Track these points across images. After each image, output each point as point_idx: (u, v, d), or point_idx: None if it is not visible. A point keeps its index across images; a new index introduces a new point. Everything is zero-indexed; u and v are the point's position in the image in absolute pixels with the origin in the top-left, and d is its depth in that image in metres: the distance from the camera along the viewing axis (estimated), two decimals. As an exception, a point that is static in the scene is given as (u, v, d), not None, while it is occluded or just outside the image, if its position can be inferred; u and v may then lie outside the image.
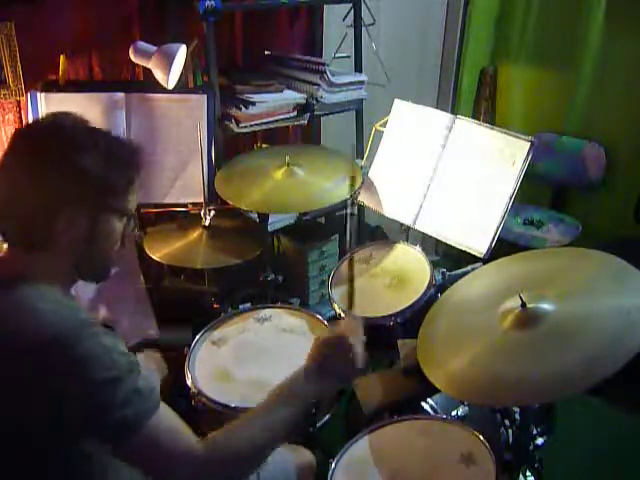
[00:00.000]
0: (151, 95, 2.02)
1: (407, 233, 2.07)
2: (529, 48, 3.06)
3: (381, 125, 2.15)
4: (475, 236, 1.81)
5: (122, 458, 1.01)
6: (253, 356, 1.63)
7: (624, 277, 1.32)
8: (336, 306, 1.83)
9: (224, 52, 2.39)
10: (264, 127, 2.24)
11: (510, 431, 1.56)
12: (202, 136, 1.97)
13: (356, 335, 1.22)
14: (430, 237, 1.97)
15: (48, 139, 1.05)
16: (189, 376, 1.56)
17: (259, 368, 1.58)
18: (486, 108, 3.29)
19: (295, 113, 2.28)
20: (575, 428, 2.10)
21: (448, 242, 1.88)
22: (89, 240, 1.07)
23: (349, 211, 1.74)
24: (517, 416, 1.55)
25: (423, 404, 1.58)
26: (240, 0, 2.36)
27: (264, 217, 2.12)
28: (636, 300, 1.23)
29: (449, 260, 2.84)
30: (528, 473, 1.50)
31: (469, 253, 1.82)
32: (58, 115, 1.09)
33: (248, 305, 1.93)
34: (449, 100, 3.30)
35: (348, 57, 2.57)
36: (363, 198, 2.13)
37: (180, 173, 2.06)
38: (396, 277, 1.89)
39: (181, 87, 2.05)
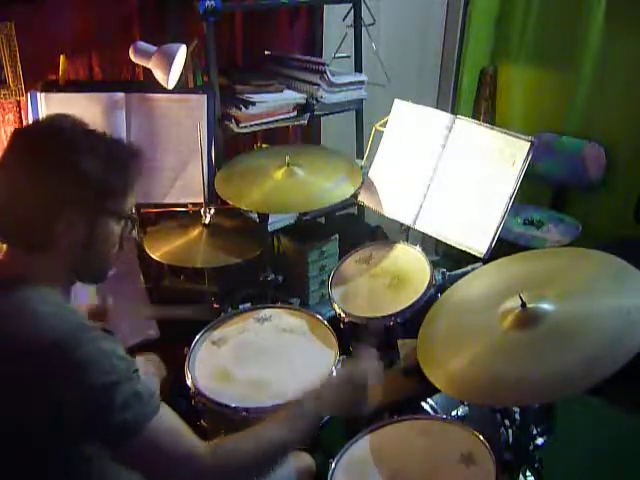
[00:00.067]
0: (151, 95, 2.02)
1: (407, 233, 2.07)
2: (529, 48, 3.06)
3: (381, 125, 2.15)
4: (475, 236, 1.81)
5: (122, 461, 1.00)
6: (253, 356, 1.64)
7: (624, 277, 1.32)
8: (336, 306, 1.83)
9: (224, 52, 2.39)
10: (264, 127, 2.24)
11: (510, 431, 1.56)
12: (202, 136, 1.97)
13: (374, 369, 1.28)
14: (430, 237, 1.97)
15: (47, 141, 1.05)
16: (189, 376, 1.56)
17: (259, 368, 1.58)
18: (486, 108, 3.29)
19: (295, 113, 2.28)
20: (575, 428, 2.10)
21: (448, 242, 1.88)
22: (87, 243, 1.07)
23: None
24: (517, 416, 1.55)
25: (423, 404, 1.58)
26: (240, 0, 2.36)
27: (264, 217, 2.12)
28: (636, 300, 1.23)
29: (449, 260, 2.84)
30: (528, 473, 1.50)
31: (469, 253, 1.82)
32: (57, 117, 1.08)
33: (248, 305, 1.93)
34: (449, 100, 3.30)
35: (348, 57, 2.56)
36: (363, 198, 2.13)
37: (180, 173, 2.07)
38: (396, 277, 1.89)
39: (181, 87, 2.05)
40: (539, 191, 3.11)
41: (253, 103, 2.15)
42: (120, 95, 1.98)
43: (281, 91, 2.29)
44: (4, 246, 1.07)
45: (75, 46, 2.06)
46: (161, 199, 2.07)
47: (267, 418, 1.15)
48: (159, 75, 1.90)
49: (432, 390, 1.40)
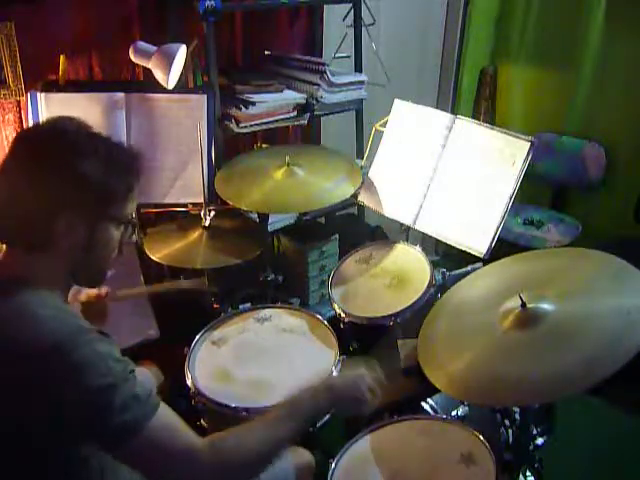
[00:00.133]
0: (151, 95, 2.02)
1: (407, 233, 2.07)
2: (529, 48, 3.06)
3: (381, 125, 2.16)
4: (475, 236, 1.81)
5: (122, 460, 1.01)
6: (253, 356, 1.64)
7: (624, 277, 1.32)
8: (336, 306, 1.83)
9: (224, 52, 2.39)
10: (264, 127, 2.24)
11: (510, 431, 1.56)
12: (202, 136, 1.97)
13: (374, 373, 1.28)
14: (430, 237, 1.97)
15: (49, 143, 1.05)
16: (189, 376, 1.56)
17: (259, 368, 1.58)
18: (486, 108, 3.29)
19: (295, 113, 2.28)
20: (575, 428, 2.10)
21: (448, 242, 1.88)
22: (87, 246, 1.07)
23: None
24: (517, 416, 1.55)
25: (423, 404, 1.58)
26: (240, 0, 2.36)
27: (264, 217, 2.12)
28: (636, 300, 1.23)
29: (449, 260, 2.84)
30: (528, 473, 1.50)
31: (469, 253, 1.82)
32: (61, 119, 1.09)
33: (248, 305, 1.93)
34: (449, 100, 3.30)
35: (348, 57, 2.56)
36: (363, 198, 2.13)
37: (180, 173, 2.06)
38: (396, 277, 1.89)
39: (181, 87, 2.05)
40: (539, 191, 3.11)
41: (253, 103, 2.15)
42: (120, 95, 1.98)
43: (281, 91, 2.29)
44: (3, 246, 1.07)
45: (75, 46, 2.06)
46: (161, 199, 2.07)
47: (266, 413, 1.14)
48: (159, 75, 1.90)
49: (432, 390, 1.40)
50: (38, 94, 1.92)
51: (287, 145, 2.61)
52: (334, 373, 1.56)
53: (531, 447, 1.53)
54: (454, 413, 1.55)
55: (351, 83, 2.41)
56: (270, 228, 2.22)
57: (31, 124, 1.89)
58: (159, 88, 1.95)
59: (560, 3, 2.92)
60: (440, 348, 1.42)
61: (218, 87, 2.11)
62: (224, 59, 2.33)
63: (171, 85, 1.93)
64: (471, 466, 1.28)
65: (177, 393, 1.61)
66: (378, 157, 2.13)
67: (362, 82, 2.44)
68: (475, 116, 3.28)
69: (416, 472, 1.31)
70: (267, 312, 1.81)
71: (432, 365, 1.38)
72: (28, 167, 1.03)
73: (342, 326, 1.80)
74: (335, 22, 2.63)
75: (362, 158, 2.37)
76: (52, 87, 1.95)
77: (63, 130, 1.06)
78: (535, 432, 1.55)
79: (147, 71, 1.96)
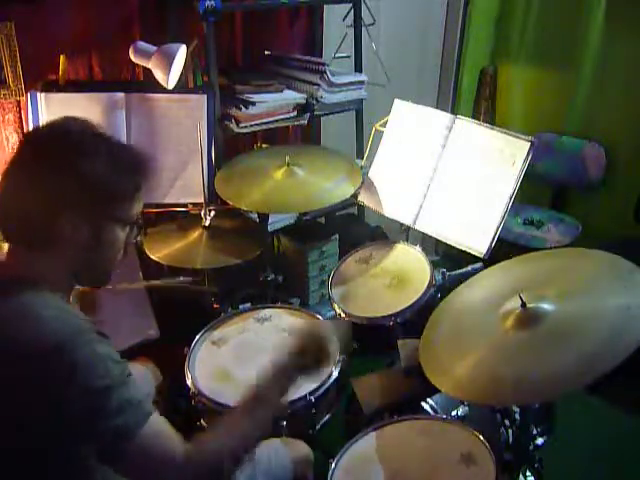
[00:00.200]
0: (151, 95, 2.02)
1: (407, 233, 2.07)
2: (529, 48, 3.06)
3: (381, 125, 2.16)
4: (475, 236, 1.81)
5: (114, 465, 1.00)
6: (253, 356, 1.64)
7: (624, 277, 1.32)
8: (336, 306, 1.83)
9: (224, 52, 2.39)
10: (264, 127, 2.24)
11: (510, 431, 1.56)
12: (202, 136, 1.97)
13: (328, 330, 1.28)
14: (430, 237, 1.97)
15: (55, 143, 1.05)
16: (189, 376, 1.56)
17: (259, 368, 1.58)
18: (486, 108, 3.28)
19: (295, 113, 2.28)
20: (575, 428, 2.10)
21: (448, 242, 1.88)
22: (92, 248, 1.07)
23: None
24: (517, 416, 1.55)
25: (423, 404, 1.58)
26: (240, 0, 2.36)
27: (264, 217, 2.12)
28: (637, 299, 1.23)
29: (449, 260, 2.84)
30: (528, 473, 1.50)
31: (469, 253, 1.82)
32: (66, 120, 1.09)
33: (248, 305, 1.93)
34: (449, 100, 3.30)
35: (348, 57, 2.56)
36: (363, 198, 2.13)
37: (180, 173, 2.06)
38: (396, 277, 1.89)
39: (181, 87, 2.05)
40: (539, 191, 3.10)
41: (253, 103, 2.15)
42: (120, 95, 1.98)
43: (281, 91, 2.29)
44: (4, 246, 1.08)
45: (75, 46, 2.06)
46: (161, 199, 2.07)
47: (236, 408, 1.15)
48: (159, 75, 1.90)
49: (432, 390, 1.40)
50: (38, 94, 1.92)
51: (287, 145, 2.61)
52: (334, 373, 1.56)
53: (531, 447, 1.53)
54: (454, 413, 1.55)
55: (351, 83, 2.41)
56: (270, 228, 2.22)
57: (36, 124, 1.89)
58: (159, 88, 1.95)
59: (560, 3, 2.92)
60: (442, 350, 1.42)
61: (218, 87, 2.11)
62: (224, 59, 2.33)
63: (171, 85, 1.93)
64: (471, 466, 1.28)
65: (177, 393, 1.61)
66: (378, 157, 2.13)
67: (362, 82, 2.44)
68: (475, 116, 3.27)
69: (416, 472, 1.31)
70: (267, 312, 1.82)
71: (434, 367, 1.38)
72: (34, 167, 1.03)
73: (342, 326, 1.80)
74: (335, 22, 2.63)
75: (362, 158, 2.37)
76: (52, 87, 1.95)
77: (69, 130, 1.07)
78: (535, 432, 1.55)
79: (147, 71, 1.96)
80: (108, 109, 1.97)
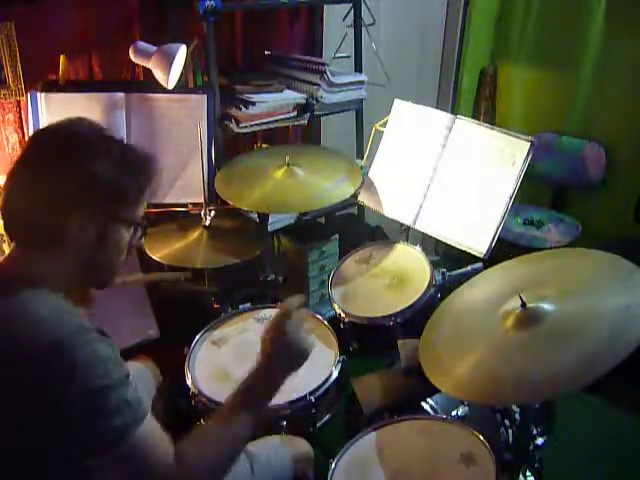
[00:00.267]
0: (151, 95, 2.02)
1: (407, 233, 2.07)
2: (529, 48, 3.06)
3: (381, 125, 2.16)
4: (475, 236, 1.81)
5: (106, 467, 1.00)
6: (253, 356, 1.62)
7: (624, 277, 1.32)
8: (336, 306, 1.83)
9: (224, 52, 2.39)
10: (264, 127, 2.24)
11: (510, 431, 1.56)
12: (202, 136, 1.97)
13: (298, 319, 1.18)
14: (430, 237, 1.97)
15: (62, 144, 1.06)
16: (189, 376, 1.56)
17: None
18: (486, 108, 3.28)
19: (295, 113, 2.28)
20: (575, 428, 2.10)
21: (448, 242, 1.88)
22: (96, 248, 1.07)
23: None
24: (517, 416, 1.55)
25: (423, 404, 1.58)
26: (240, 0, 2.36)
27: (264, 217, 2.12)
28: (637, 299, 1.23)
29: (449, 260, 2.84)
30: (528, 473, 1.50)
31: (469, 253, 1.82)
32: (73, 120, 1.09)
33: (248, 305, 1.93)
34: (449, 100, 3.30)
35: (348, 57, 2.56)
36: (363, 198, 2.13)
37: (180, 173, 2.07)
38: (396, 277, 1.89)
39: (181, 87, 2.05)
40: (539, 191, 3.11)
41: (253, 103, 2.15)
42: (120, 95, 1.99)
43: (281, 91, 2.29)
44: (4, 246, 1.08)
45: (75, 46, 2.06)
46: (161, 199, 2.07)
47: (220, 410, 1.14)
48: (159, 75, 1.90)
49: (432, 390, 1.40)
50: (38, 94, 1.92)
51: (287, 145, 2.62)
52: (334, 373, 1.56)
53: (531, 447, 1.53)
54: (454, 413, 1.55)
55: (351, 83, 2.41)
56: (270, 228, 2.22)
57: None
58: (159, 88, 1.95)
59: (560, 3, 2.92)
60: (442, 350, 1.42)
61: (218, 87, 2.11)
62: (224, 59, 2.33)
63: (171, 85, 1.93)
64: (471, 466, 1.28)
65: (177, 393, 1.61)
66: (378, 157, 2.13)
67: (362, 82, 2.44)
68: (475, 116, 3.27)
69: (416, 472, 1.31)
70: (267, 312, 1.82)
71: (434, 367, 1.38)
72: (41, 168, 1.04)
73: (342, 326, 1.80)
74: (335, 22, 2.63)
75: (362, 158, 2.37)
76: (52, 87, 1.95)
77: (76, 131, 1.08)
78: (535, 432, 1.55)
79: (147, 71, 1.96)
80: (108, 109, 1.97)
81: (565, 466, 1.91)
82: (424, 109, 2.03)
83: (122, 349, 1.04)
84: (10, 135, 2.02)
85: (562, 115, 3.02)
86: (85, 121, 1.10)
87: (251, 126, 2.18)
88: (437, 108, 2.04)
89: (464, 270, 1.83)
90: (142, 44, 1.93)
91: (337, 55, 2.57)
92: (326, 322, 1.74)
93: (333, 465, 1.34)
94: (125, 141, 1.12)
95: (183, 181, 2.07)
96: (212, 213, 1.94)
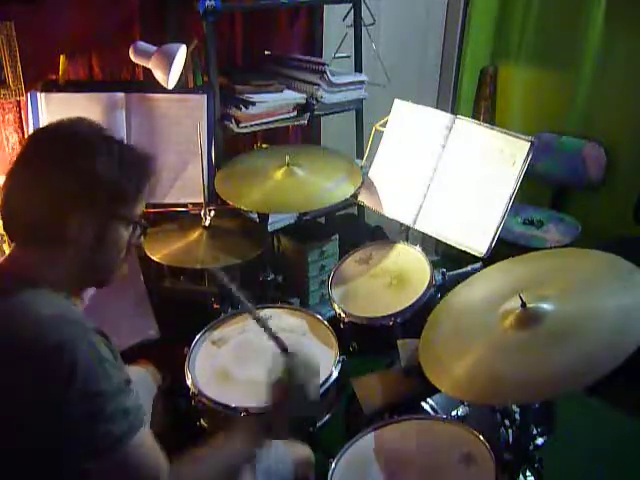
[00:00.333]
0: (151, 95, 2.02)
1: (407, 233, 2.07)
2: (529, 48, 3.06)
3: (381, 125, 2.15)
4: (475, 236, 1.81)
5: (98, 473, 0.98)
6: (253, 356, 1.63)
7: (624, 277, 1.32)
8: (336, 306, 1.83)
9: (224, 52, 2.39)
10: (264, 127, 2.24)
11: (510, 431, 1.56)
12: (202, 136, 1.97)
13: (307, 377, 1.26)
14: (430, 237, 1.97)
15: (61, 143, 1.06)
16: (189, 376, 1.56)
17: (259, 368, 1.58)
18: (486, 108, 3.29)
19: (295, 113, 2.28)
20: (575, 429, 2.10)
21: (448, 242, 1.88)
22: (96, 247, 1.07)
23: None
24: (517, 416, 1.55)
25: (423, 404, 1.58)
26: (240, 0, 2.36)
27: (264, 217, 2.12)
28: (637, 299, 1.23)
29: (449, 260, 2.84)
30: (528, 473, 1.50)
31: (469, 253, 1.82)
32: (71, 120, 1.10)
33: (248, 305, 1.93)
34: (449, 100, 3.30)
35: (348, 57, 2.56)
36: (363, 198, 2.13)
37: (180, 173, 2.06)
38: (396, 277, 1.89)
39: (181, 87, 2.05)
40: (539, 191, 3.11)
41: (253, 103, 2.15)
42: (120, 95, 1.98)
43: (281, 91, 2.29)
44: (4, 246, 1.08)
45: (75, 46, 2.06)
46: (161, 199, 2.07)
47: (220, 440, 1.17)
48: (159, 75, 1.90)
49: (432, 390, 1.40)
50: (38, 94, 1.92)
51: (287, 145, 2.62)
52: (334, 373, 1.56)
53: (531, 447, 1.53)
54: (454, 413, 1.55)
55: (351, 83, 2.41)
56: (270, 228, 2.22)
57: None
58: (159, 88, 1.95)
59: (560, 3, 2.93)
60: (441, 349, 1.42)
61: (218, 87, 2.11)
62: (224, 59, 2.33)
63: (171, 85, 1.93)
64: (471, 466, 1.28)
65: (177, 393, 1.61)
66: (378, 157, 2.13)
67: (362, 82, 2.45)
68: (475, 116, 3.28)
69: (416, 472, 1.31)
70: (267, 312, 1.81)
71: (433, 366, 1.38)
72: (40, 167, 1.04)
73: (342, 326, 1.80)
74: (335, 22, 2.63)
75: (362, 158, 2.37)
76: (52, 87, 1.95)
77: (75, 131, 1.08)
78: (535, 432, 1.55)
79: (147, 71, 1.96)
80: (108, 109, 1.97)
81: (565, 466, 1.92)
82: (424, 109, 2.03)
83: (122, 349, 1.04)
84: (10, 135, 2.02)
85: (562, 115, 3.02)
86: (84, 121, 1.10)
87: (251, 126, 2.18)
88: (437, 108, 2.04)
89: (464, 270, 1.83)
90: (142, 44, 1.93)
91: (337, 55, 2.57)
92: (326, 322, 1.74)
93: (333, 465, 1.34)
94: (125, 141, 1.13)
95: (183, 181, 2.07)
96: (212, 213, 1.94)
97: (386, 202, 2.06)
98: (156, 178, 1.15)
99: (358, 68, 2.54)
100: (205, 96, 2.04)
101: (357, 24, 2.48)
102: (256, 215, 2.13)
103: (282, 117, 2.25)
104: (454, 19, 3.16)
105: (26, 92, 1.95)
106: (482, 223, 1.80)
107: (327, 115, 2.46)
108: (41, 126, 1.87)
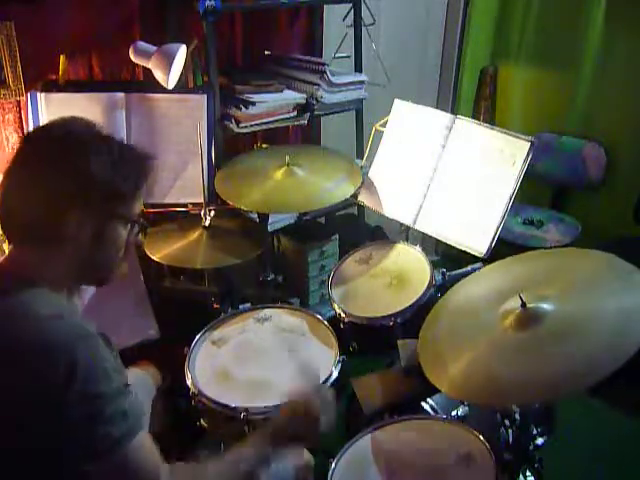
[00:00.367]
0: (151, 95, 2.02)
1: (407, 233, 2.07)
2: (529, 48, 3.07)
3: (381, 125, 2.15)
4: (475, 236, 1.81)
5: (98, 477, 0.98)
6: (253, 356, 1.64)
7: (625, 277, 1.32)
8: (336, 306, 1.83)
9: (224, 52, 2.39)
10: (264, 127, 2.24)
11: (510, 431, 1.55)
12: (202, 136, 1.97)
13: (325, 402, 1.29)
14: (430, 237, 1.97)
15: (57, 142, 1.06)
16: (189, 376, 1.56)
17: (259, 368, 1.58)
18: (486, 108, 3.29)
19: (295, 113, 2.28)
20: (575, 429, 2.10)
21: (448, 242, 1.88)
22: (94, 246, 1.07)
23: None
24: (517, 416, 1.54)
25: (423, 404, 1.58)
26: (240, 0, 2.36)
27: (264, 217, 2.12)
28: (637, 299, 1.23)
29: (449, 260, 2.84)
30: (528, 473, 1.50)
31: (469, 253, 1.82)
32: (68, 119, 1.10)
33: (248, 305, 1.93)
34: (449, 100, 3.31)
35: (348, 57, 2.57)
36: (363, 198, 2.13)
37: (180, 173, 2.06)
38: (396, 277, 1.89)
39: (181, 87, 2.05)
40: (539, 191, 3.11)
41: (253, 103, 2.15)
42: (120, 95, 1.98)
43: (281, 91, 2.29)
44: (4, 246, 1.08)
45: (75, 46, 2.06)
46: (161, 199, 2.07)
47: (223, 456, 1.17)
48: (159, 75, 1.90)
49: (432, 390, 1.40)
50: (38, 94, 1.92)
51: (287, 145, 2.61)
52: (334, 373, 1.56)
53: (531, 447, 1.53)
54: (454, 413, 1.54)
55: (351, 83, 2.41)
56: (270, 228, 2.22)
57: (37, 124, 1.89)
58: (159, 88, 1.95)
59: (560, 3, 2.93)
60: (440, 348, 1.42)
61: (218, 87, 2.11)
62: (224, 59, 2.33)
63: (171, 85, 1.93)
64: (471, 466, 1.28)
65: (177, 393, 1.61)
66: (378, 157, 2.13)
67: (362, 82, 2.45)
68: (475, 116, 3.28)
69: (416, 472, 1.31)
70: (267, 312, 1.81)
71: (432, 366, 1.38)
72: (37, 166, 1.04)
73: (342, 326, 1.79)
74: (335, 22, 2.63)
75: (362, 158, 2.37)
76: (52, 87, 1.95)
77: (70, 130, 1.08)
78: (535, 432, 1.55)
79: (147, 71, 1.96)
80: (108, 109, 1.97)
81: (565, 466, 1.91)
82: (424, 109, 2.03)
83: (122, 349, 1.04)
84: (10, 135, 2.02)
85: (562, 115, 3.02)
86: (79, 120, 1.10)
87: (251, 126, 2.18)
88: (437, 108, 2.04)
89: (464, 270, 1.82)
90: (142, 44, 1.93)
91: (337, 55, 2.57)
92: (326, 322, 1.74)
93: (333, 465, 1.34)
94: (123, 140, 1.13)
95: (183, 181, 2.07)
96: (212, 213, 1.94)
97: (386, 202, 2.06)
98: (154, 176, 1.15)
99: (358, 68, 2.54)
100: (205, 96, 2.04)
101: (357, 24, 2.48)
102: (256, 215, 2.12)
103: (282, 117, 2.25)
104: (454, 19, 3.16)
105: (26, 92, 1.95)
106: (482, 223, 1.80)
107: (327, 115, 2.46)
108: (35, 126, 1.88)
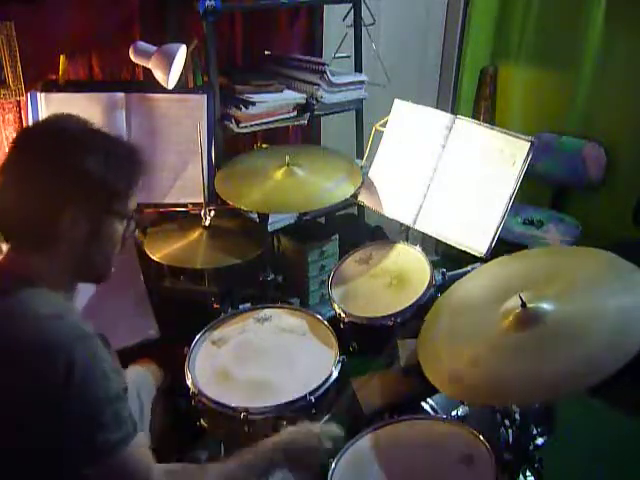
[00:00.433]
0: (151, 95, 2.02)
1: (407, 233, 2.07)
2: (529, 48, 3.07)
3: (381, 125, 2.15)
4: (475, 236, 1.81)
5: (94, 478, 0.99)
6: (253, 356, 1.64)
7: (625, 277, 1.32)
8: (336, 306, 1.82)
9: (224, 52, 2.39)
10: (264, 127, 2.24)
11: (510, 431, 1.55)
12: (202, 136, 1.97)
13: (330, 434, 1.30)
14: (430, 237, 1.97)
15: (51, 140, 1.06)
16: (189, 376, 1.56)
17: (259, 368, 1.58)
18: (486, 108, 3.29)
19: (295, 113, 2.28)
20: (576, 429, 2.10)
21: (448, 242, 1.88)
22: (90, 243, 1.07)
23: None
24: (517, 416, 1.54)
25: (423, 404, 1.58)
26: (240, 0, 2.36)
27: (264, 217, 2.12)
28: (637, 299, 1.23)
29: (449, 260, 2.83)
30: (528, 473, 1.50)
31: (469, 253, 1.82)
32: (62, 116, 1.10)
33: (248, 305, 1.93)
34: (449, 100, 3.31)
35: (348, 57, 2.57)
36: (363, 198, 2.13)
37: (180, 173, 2.06)
38: (396, 277, 1.89)
39: (181, 87, 2.05)
40: (539, 191, 3.11)
41: (253, 103, 2.15)
42: (120, 95, 1.98)
43: (281, 91, 2.29)
44: (3, 247, 1.08)
45: (75, 46, 2.06)
46: (161, 199, 2.07)
47: (220, 465, 1.17)
48: (159, 75, 1.90)
49: (432, 390, 1.40)
50: (38, 94, 1.92)
51: (287, 145, 2.61)
52: (334, 373, 1.56)
53: (531, 447, 1.53)
54: (454, 413, 1.54)
55: (351, 83, 2.41)
56: (270, 228, 2.22)
57: (32, 122, 1.89)
58: (159, 88, 1.95)
59: (560, 3, 2.93)
60: (440, 348, 1.42)
61: (218, 87, 2.11)
62: (224, 59, 2.33)
63: (171, 85, 1.93)
64: (471, 466, 1.27)
65: (177, 393, 1.61)
66: (378, 157, 2.13)
67: (362, 82, 2.44)
68: (475, 116, 3.28)
69: (416, 472, 1.31)
70: (267, 312, 1.81)
71: (432, 365, 1.38)
72: (31, 164, 1.04)
73: (342, 326, 1.79)
74: (335, 22, 2.63)
75: (362, 158, 2.37)
76: (52, 87, 1.95)
77: (63, 127, 1.08)
78: (535, 432, 1.55)
79: (147, 71, 1.96)
80: (108, 109, 1.97)
81: (565, 466, 1.91)
82: (424, 109, 2.03)
83: (122, 349, 1.05)
84: (10, 135, 2.02)
85: (562, 115, 3.02)
86: (72, 117, 1.10)
87: (251, 126, 2.18)
88: (437, 108, 2.04)
89: (464, 270, 1.82)
90: (142, 44, 1.93)
91: (337, 55, 2.57)
92: (326, 322, 1.74)
93: (333, 465, 1.34)
94: (114, 135, 1.12)
95: (183, 181, 2.07)
96: (212, 213, 1.94)
97: (386, 202, 2.06)
98: (149, 171, 1.16)
99: (358, 68, 2.54)
100: (205, 96, 2.04)
101: (357, 24, 2.48)
102: (256, 215, 2.12)
103: (282, 117, 2.25)
104: (454, 19, 3.16)
105: (26, 92, 1.95)
106: (482, 223, 1.80)
107: (327, 115, 2.46)
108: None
